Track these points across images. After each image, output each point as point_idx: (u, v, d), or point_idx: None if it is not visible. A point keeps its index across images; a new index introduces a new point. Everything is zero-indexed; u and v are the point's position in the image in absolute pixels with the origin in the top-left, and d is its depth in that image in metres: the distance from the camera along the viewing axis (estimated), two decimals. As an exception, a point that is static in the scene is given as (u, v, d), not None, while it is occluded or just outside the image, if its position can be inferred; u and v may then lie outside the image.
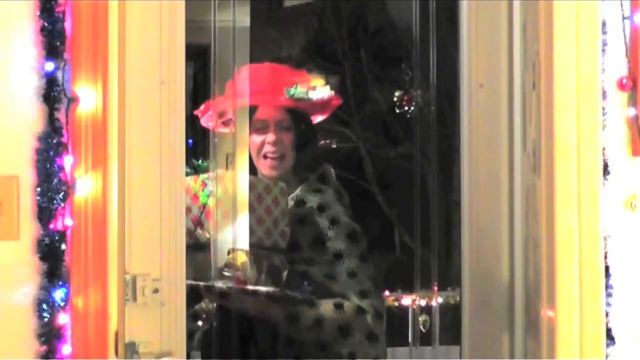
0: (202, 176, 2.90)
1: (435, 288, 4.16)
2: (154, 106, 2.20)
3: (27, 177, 1.98)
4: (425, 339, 4.11)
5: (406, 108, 5.50)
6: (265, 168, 2.96)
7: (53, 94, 1.97)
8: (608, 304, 2.12)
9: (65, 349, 1.95)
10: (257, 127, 2.98)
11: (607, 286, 2.12)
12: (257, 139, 2.97)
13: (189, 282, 2.42)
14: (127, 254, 2.07)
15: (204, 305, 3.30)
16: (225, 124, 3.03)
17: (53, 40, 1.98)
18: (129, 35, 2.08)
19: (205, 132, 3.18)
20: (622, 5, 2.16)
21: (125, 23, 2.06)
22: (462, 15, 3.23)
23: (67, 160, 1.97)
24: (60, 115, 1.98)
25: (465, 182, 3.23)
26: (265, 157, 2.96)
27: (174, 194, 2.19)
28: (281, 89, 2.96)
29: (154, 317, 2.14)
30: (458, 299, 3.45)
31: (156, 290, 2.11)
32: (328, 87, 3.06)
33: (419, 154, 4.32)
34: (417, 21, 4.23)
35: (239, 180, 2.97)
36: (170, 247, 2.17)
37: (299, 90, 2.95)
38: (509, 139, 3.14)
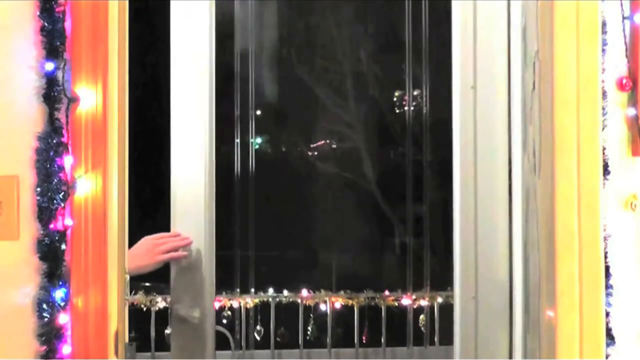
0: None
1: (433, 288, 4.17)
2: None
3: (27, 177, 1.98)
4: (425, 339, 4.11)
5: (406, 108, 5.50)
6: None
7: (53, 94, 1.97)
8: (608, 304, 2.12)
9: (65, 349, 1.95)
10: None
11: (607, 286, 2.11)
12: None
13: None
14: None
15: None
16: None
17: (53, 40, 1.98)
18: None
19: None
20: (622, 5, 2.16)
21: (126, 23, 2.06)
22: (455, 16, 3.24)
23: (67, 160, 1.97)
24: (60, 115, 1.98)
25: (457, 182, 3.24)
26: None
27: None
28: None
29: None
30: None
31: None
32: None
33: (411, 154, 4.32)
34: (409, 21, 4.23)
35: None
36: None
37: None
38: (507, 139, 3.15)
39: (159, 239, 2.70)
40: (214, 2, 2.99)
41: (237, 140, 4.25)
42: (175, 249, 2.72)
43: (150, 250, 2.66)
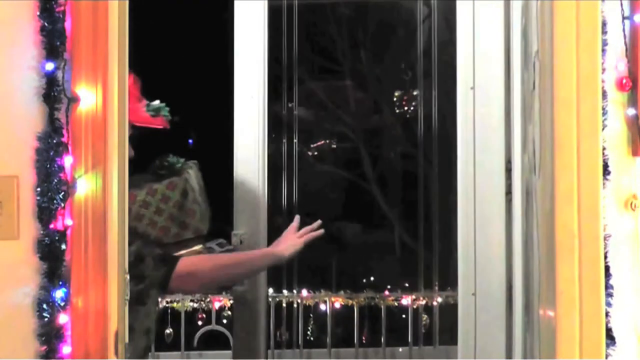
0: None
1: (436, 287, 4.17)
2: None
3: (27, 177, 1.98)
4: (425, 339, 4.12)
5: (406, 108, 5.50)
6: None
7: (53, 94, 1.97)
8: (608, 304, 2.12)
9: (65, 349, 1.95)
10: None
11: (607, 286, 2.11)
12: None
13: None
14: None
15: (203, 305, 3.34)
16: None
17: (53, 40, 1.98)
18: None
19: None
20: (622, 5, 2.16)
21: (126, 23, 2.06)
22: (459, 19, 3.25)
23: (67, 160, 1.97)
24: (60, 115, 1.98)
25: (460, 182, 3.25)
26: None
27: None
28: (140, 100, 2.82)
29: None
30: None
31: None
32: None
33: (422, 156, 4.32)
34: (421, 22, 4.24)
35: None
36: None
37: (154, 105, 2.85)
38: (505, 139, 3.16)
39: (296, 229, 3.03)
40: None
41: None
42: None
43: (293, 236, 2.99)
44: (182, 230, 2.89)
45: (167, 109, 2.86)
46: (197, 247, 2.93)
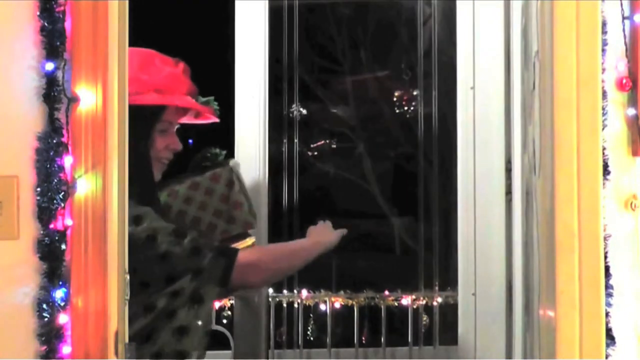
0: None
1: (430, 287, 4.17)
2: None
3: (27, 177, 1.98)
4: (425, 339, 4.11)
5: (406, 108, 5.50)
6: (157, 172, 2.63)
7: (53, 94, 1.97)
8: (608, 304, 2.12)
9: (65, 349, 1.95)
10: (160, 128, 2.61)
11: (607, 286, 2.11)
12: (162, 142, 2.61)
13: None
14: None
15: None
16: None
17: (53, 40, 1.97)
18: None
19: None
20: (622, 5, 2.15)
21: (126, 23, 2.06)
22: (459, 19, 3.26)
23: (67, 160, 1.97)
24: (60, 115, 1.98)
25: (460, 182, 3.25)
26: (159, 161, 2.63)
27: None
28: (191, 90, 2.67)
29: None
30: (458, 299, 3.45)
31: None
32: None
33: (422, 156, 4.32)
34: (421, 22, 4.24)
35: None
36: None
37: (204, 98, 2.71)
38: (505, 139, 3.16)
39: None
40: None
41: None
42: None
43: (327, 229, 2.81)
44: (229, 224, 2.73)
45: (216, 102, 2.74)
46: (249, 242, 2.78)
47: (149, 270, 2.43)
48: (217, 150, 2.82)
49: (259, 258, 2.59)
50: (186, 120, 2.73)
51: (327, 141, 5.71)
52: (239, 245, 2.71)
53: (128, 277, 2.05)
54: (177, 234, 2.47)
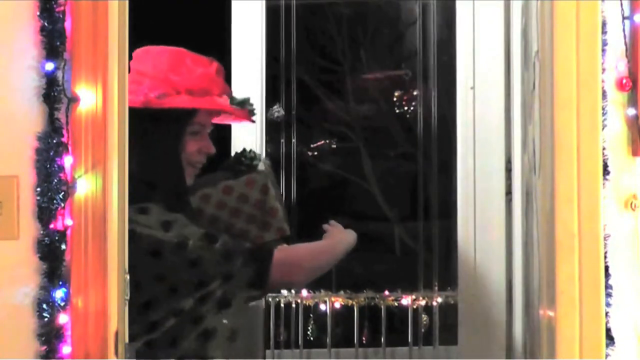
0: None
1: (429, 287, 4.17)
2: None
3: (27, 177, 1.98)
4: (425, 339, 4.12)
5: (406, 108, 5.50)
6: (189, 177, 2.55)
7: (53, 94, 1.97)
8: (607, 304, 2.12)
9: (65, 349, 1.95)
10: (191, 131, 2.51)
11: (607, 286, 2.11)
12: (194, 146, 2.52)
13: None
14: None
15: None
16: None
17: (53, 40, 1.97)
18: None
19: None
20: (622, 5, 2.15)
21: (126, 23, 2.06)
22: (459, 18, 3.26)
23: (67, 160, 1.97)
24: (60, 115, 1.98)
25: (460, 182, 3.25)
26: (192, 165, 2.55)
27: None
28: (225, 91, 2.57)
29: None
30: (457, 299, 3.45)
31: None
32: None
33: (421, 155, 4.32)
34: (420, 22, 4.24)
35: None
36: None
37: (239, 98, 2.61)
38: (505, 139, 3.16)
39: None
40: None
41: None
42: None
43: (341, 230, 2.73)
44: (263, 231, 2.61)
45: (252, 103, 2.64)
46: None
47: (178, 276, 2.37)
48: (254, 153, 2.71)
49: (299, 256, 2.56)
50: (220, 120, 2.66)
51: (327, 141, 5.71)
52: None
53: (128, 277, 2.05)
54: (208, 239, 2.41)
